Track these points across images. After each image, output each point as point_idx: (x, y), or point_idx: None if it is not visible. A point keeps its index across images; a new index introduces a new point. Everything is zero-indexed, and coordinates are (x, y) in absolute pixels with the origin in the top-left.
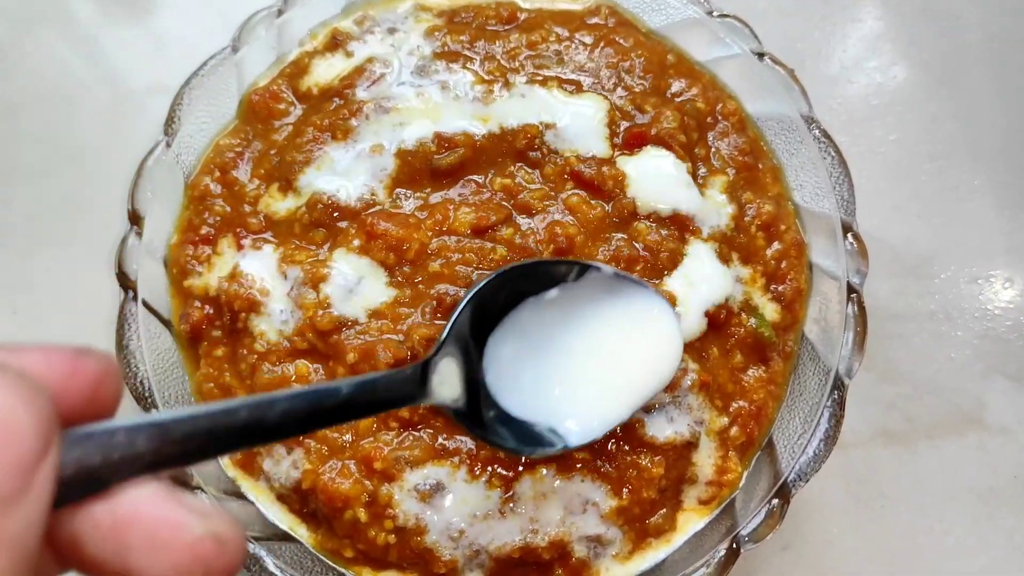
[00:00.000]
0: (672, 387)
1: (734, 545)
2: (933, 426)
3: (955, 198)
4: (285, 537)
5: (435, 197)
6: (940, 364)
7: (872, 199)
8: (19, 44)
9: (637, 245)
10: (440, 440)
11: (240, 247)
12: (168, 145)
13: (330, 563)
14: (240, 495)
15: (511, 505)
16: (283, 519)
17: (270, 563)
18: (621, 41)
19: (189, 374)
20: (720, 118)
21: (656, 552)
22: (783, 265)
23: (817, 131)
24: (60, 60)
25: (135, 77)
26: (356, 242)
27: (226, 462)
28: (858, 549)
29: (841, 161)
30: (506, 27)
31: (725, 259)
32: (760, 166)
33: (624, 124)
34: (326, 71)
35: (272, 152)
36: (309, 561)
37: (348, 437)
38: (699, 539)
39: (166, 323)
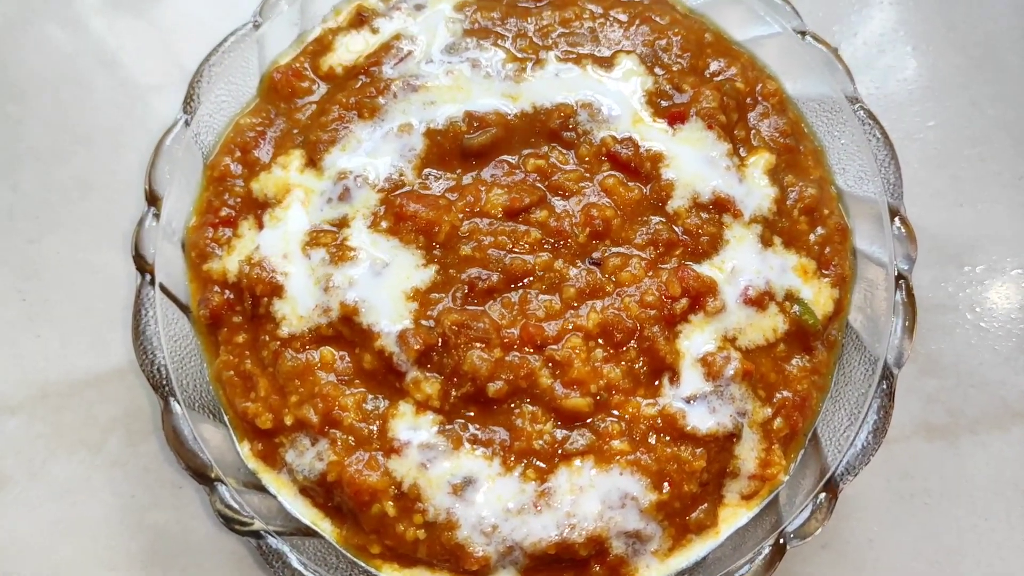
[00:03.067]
0: (714, 376)
1: (780, 541)
2: (977, 420)
3: (997, 185)
4: (308, 532)
5: (466, 178)
6: (983, 356)
7: (911, 186)
8: (29, 27)
9: (676, 228)
10: (472, 430)
11: (261, 226)
12: (187, 124)
13: (355, 559)
14: (261, 488)
15: (547, 499)
16: (306, 513)
17: (294, 559)
18: (657, 19)
19: (208, 362)
20: (760, 99)
21: (697, 549)
22: (827, 251)
23: (862, 111)
24: (71, 43)
25: (149, 58)
26: (384, 223)
27: (246, 453)
28: (900, 547)
29: (887, 143)
30: (538, 4)
31: (767, 243)
32: (801, 148)
33: (662, 103)
34: (351, 48)
35: (295, 131)
36: (334, 557)
37: (375, 427)
38: (742, 535)
39: (184, 309)
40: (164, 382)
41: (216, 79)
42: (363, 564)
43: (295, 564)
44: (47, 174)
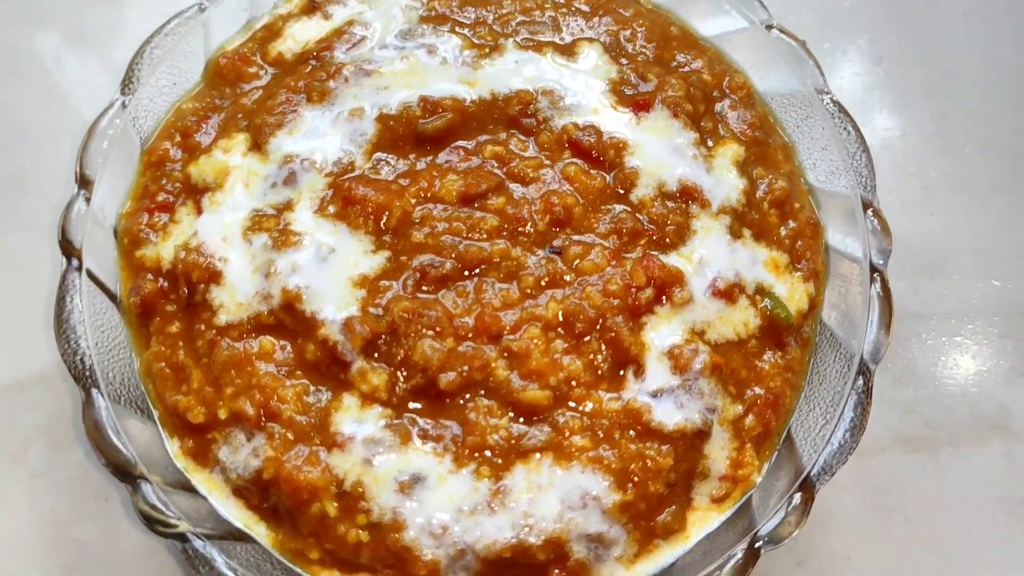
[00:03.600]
0: (682, 369)
1: (753, 545)
2: (956, 432)
3: (969, 195)
4: (241, 536)
5: (420, 164)
6: (960, 366)
7: (883, 195)
8: None
9: (641, 218)
10: (422, 424)
11: (200, 212)
12: (124, 106)
13: (292, 566)
14: (190, 488)
15: (502, 498)
16: (239, 516)
17: (221, 563)
18: (621, 11)
19: (137, 354)
20: (727, 92)
21: (665, 555)
22: (799, 245)
23: (831, 104)
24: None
25: (89, 44)
26: (332, 208)
27: (175, 451)
28: (878, 565)
29: (859, 136)
30: None
31: (736, 235)
32: (771, 142)
33: (626, 92)
34: (301, 34)
35: (240, 116)
36: (268, 564)
37: (317, 421)
38: (712, 540)
39: (113, 299)
40: (88, 372)
41: (157, 62)
42: (300, 571)
43: (223, 569)
44: None
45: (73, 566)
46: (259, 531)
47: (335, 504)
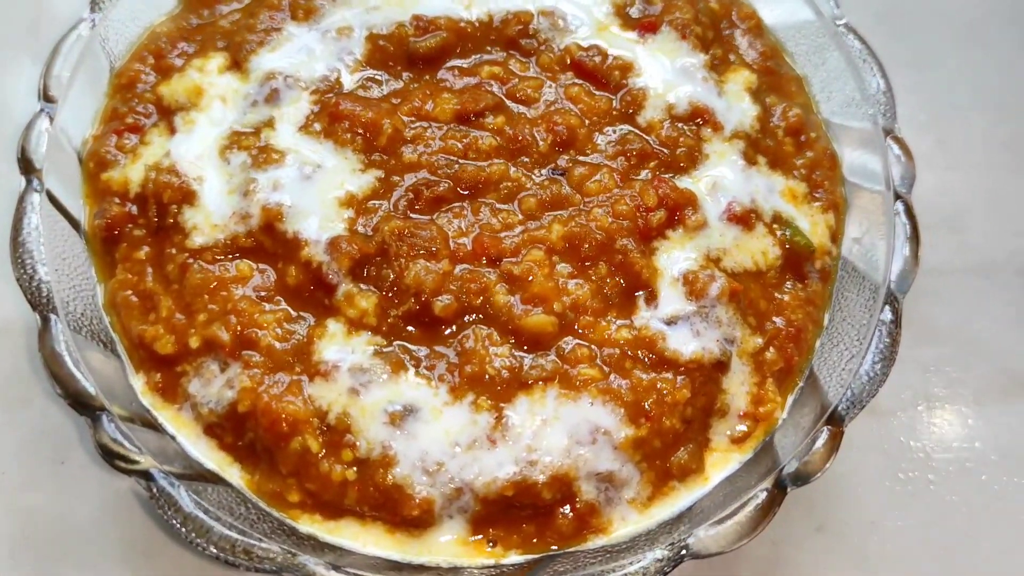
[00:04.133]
0: (697, 295)
1: (780, 484)
2: (980, 391)
3: (987, 149)
4: (212, 478)
5: (413, 85)
6: (983, 323)
7: None
8: None
9: (650, 139)
10: (415, 353)
11: (173, 133)
12: (93, 24)
13: (268, 509)
14: (156, 427)
15: (503, 432)
16: (211, 457)
17: (189, 502)
18: None
19: (101, 284)
20: (737, 22)
21: (681, 498)
22: (816, 175)
23: (846, 32)
24: None
25: None
26: (317, 126)
27: (141, 386)
28: (904, 532)
29: (876, 63)
30: None
31: (751, 162)
32: (783, 73)
33: (631, 13)
34: None
35: (217, 37)
36: (242, 507)
37: (298, 348)
38: (733, 483)
39: (76, 227)
40: (45, 299)
41: None
42: (276, 513)
43: (191, 508)
44: None
45: (24, 534)
46: (232, 473)
47: (318, 439)
